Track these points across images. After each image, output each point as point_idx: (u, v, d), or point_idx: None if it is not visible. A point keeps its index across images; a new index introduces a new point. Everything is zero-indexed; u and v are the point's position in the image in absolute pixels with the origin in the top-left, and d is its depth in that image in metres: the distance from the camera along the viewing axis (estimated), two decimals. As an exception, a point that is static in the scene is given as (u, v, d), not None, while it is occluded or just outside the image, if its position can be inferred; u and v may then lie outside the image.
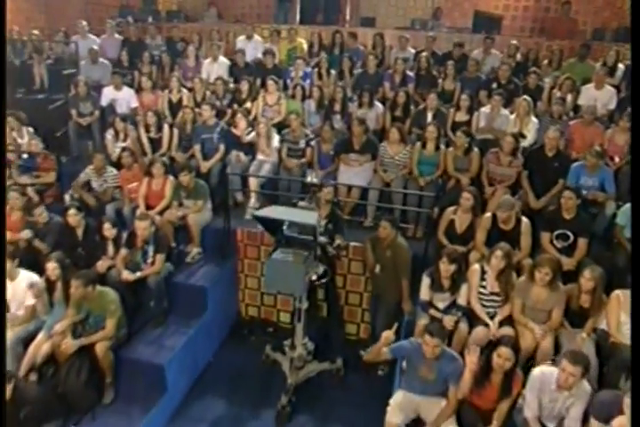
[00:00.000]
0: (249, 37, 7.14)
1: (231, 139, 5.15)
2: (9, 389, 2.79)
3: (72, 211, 4.09)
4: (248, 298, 4.93)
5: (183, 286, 4.22)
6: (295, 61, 6.22)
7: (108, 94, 5.94)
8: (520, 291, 3.39)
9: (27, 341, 3.60)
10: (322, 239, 3.50)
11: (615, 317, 3.22)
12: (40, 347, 3.51)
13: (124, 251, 4.02)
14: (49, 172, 5.08)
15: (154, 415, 3.55)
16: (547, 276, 3.25)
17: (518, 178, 4.40)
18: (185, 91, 5.88)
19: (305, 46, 6.96)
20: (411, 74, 5.97)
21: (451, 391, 2.93)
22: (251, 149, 5.13)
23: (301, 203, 3.70)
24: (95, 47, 6.70)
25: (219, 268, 4.51)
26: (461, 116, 5.18)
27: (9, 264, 3.64)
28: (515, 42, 6.63)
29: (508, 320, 3.41)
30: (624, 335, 3.14)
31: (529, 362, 3.21)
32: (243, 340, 4.66)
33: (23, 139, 5.50)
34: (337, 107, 5.42)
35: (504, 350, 2.76)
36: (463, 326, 3.41)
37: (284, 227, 3.31)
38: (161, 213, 4.43)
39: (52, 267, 3.65)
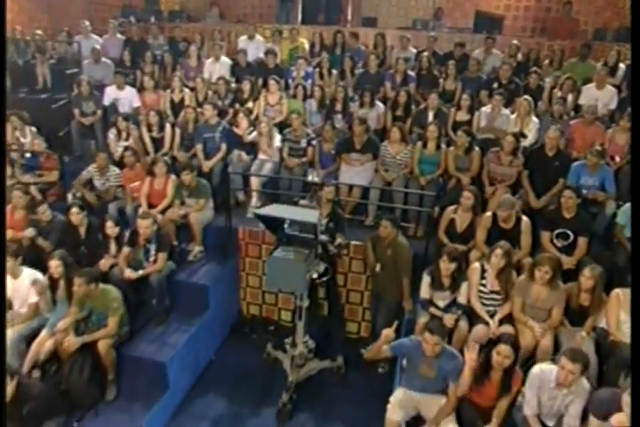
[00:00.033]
0: (251, 37, 7.16)
1: (233, 138, 5.17)
2: (12, 385, 2.81)
3: (74, 209, 4.12)
4: (249, 296, 4.96)
5: (185, 285, 4.24)
6: (297, 61, 6.24)
7: (110, 94, 5.97)
8: (520, 289, 3.41)
9: (29, 338, 3.62)
10: (323, 238, 3.52)
11: (615, 315, 3.24)
12: (43, 344, 3.53)
13: (126, 249, 4.04)
14: (52, 171, 5.09)
15: (156, 412, 3.57)
16: (546, 274, 3.27)
17: (519, 177, 4.42)
18: (187, 90, 5.91)
19: (306, 46, 6.98)
20: (412, 74, 5.99)
21: (450, 389, 2.95)
22: (252, 148, 5.15)
23: (302, 201, 3.73)
24: (98, 47, 6.73)
25: (220, 266, 4.53)
26: (462, 116, 5.20)
27: (12, 262, 3.67)
28: (516, 42, 6.65)
29: (508, 319, 3.43)
30: (624, 334, 3.16)
31: (529, 361, 3.23)
32: (244, 338, 4.69)
33: (26, 138, 5.53)
34: (338, 106, 5.44)
35: (503, 348, 2.77)
36: (463, 324, 3.43)
37: (286, 225, 3.33)
38: (163, 211, 4.45)
39: (54, 265, 3.67)
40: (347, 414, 3.78)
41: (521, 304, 3.42)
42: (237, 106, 5.73)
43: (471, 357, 2.88)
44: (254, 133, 5.13)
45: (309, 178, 4.68)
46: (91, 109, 5.88)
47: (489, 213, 3.88)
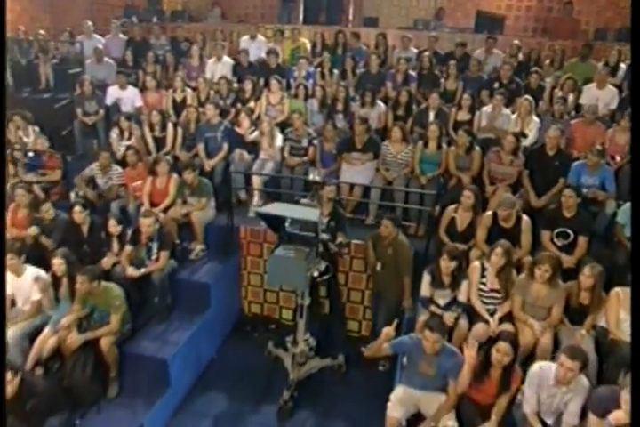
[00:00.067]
0: (252, 37, 7.19)
1: (234, 138, 5.19)
2: (16, 381, 2.83)
3: (77, 208, 4.14)
4: (251, 295, 4.98)
5: (187, 283, 4.26)
6: (298, 61, 6.27)
7: (112, 93, 6.00)
8: (520, 288, 3.43)
9: (32, 335, 3.64)
10: (324, 236, 3.54)
11: (614, 314, 3.25)
12: (46, 341, 3.56)
13: (128, 247, 4.07)
14: (54, 170, 5.12)
15: (157, 409, 3.60)
16: (546, 273, 3.28)
17: (519, 177, 4.43)
18: (189, 90, 5.93)
19: (308, 46, 7.00)
20: (413, 73, 6.01)
21: (450, 386, 2.96)
22: (254, 147, 5.17)
23: (303, 200, 3.75)
24: (100, 47, 6.76)
25: (222, 265, 4.56)
26: (463, 116, 5.21)
27: (15, 260, 3.70)
28: (517, 42, 6.66)
29: (508, 317, 3.45)
30: (623, 332, 3.17)
31: (528, 359, 3.24)
32: (245, 336, 4.71)
33: (29, 137, 5.56)
34: (339, 106, 5.46)
35: (503, 345, 2.79)
36: (463, 322, 3.44)
37: (287, 224, 3.35)
38: (165, 210, 4.47)
39: (57, 263, 3.69)
40: (347, 412, 3.80)
41: (521, 303, 3.43)
42: (239, 105, 5.74)
43: (470, 354, 2.90)
44: (256, 133, 5.15)
45: (311, 177, 4.70)
46: (93, 109, 5.92)
47: (489, 212, 3.90)
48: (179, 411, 3.85)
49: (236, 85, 6.10)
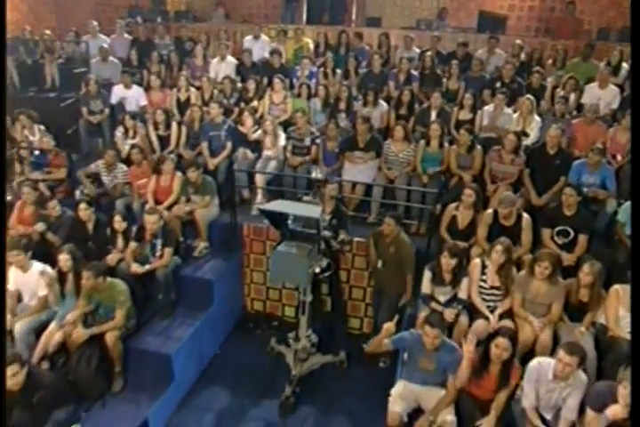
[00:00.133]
0: (256, 37, 7.24)
1: (238, 136, 5.24)
2: (22, 374, 2.88)
3: (83, 205, 4.20)
4: (254, 292, 5.02)
5: (190, 280, 4.31)
6: (301, 61, 6.33)
7: (117, 93, 6.06)
8: (520, 285, 3.46)
9: (39, 330, 3.70)
10: (326, 234, 3.58)
11: (614, 311, 3.27)
12: (52, 336, 3.62)
13: (133, 244, 4.12)
14: (60, 168, 5.18)
15: (161, 404, 3.65)
16: (546, 270, 3.31)
17: (520, 175, 4.45)
18: (193, 89, 5.98)
19: (311, 46, 7.05)
20: (415, 73, 6.04)
21: (449, 381, 3.00)
22: (257, 146, 5.21)
23: (306, 198, 3.79)
24: (105, 46, 6.82)
25: (225, 262, 4.60)
26: (465, 115, 5.24)
27: (22, 256, 3.76)
28: (519, 41, 6.67)
29: (508, 314, 3.48)
30: (622, 329, 3.20)
31: (528, 355, 3.27)
32: (248, 333, 4.76)
33: (35, 136, 5.63)
34: (342, 105, 5.50)
35: (501, 341, 2.82)
36: (464, 319, 3.48)
37: (289, 221, 3.40)
38: (169, 208, 4.51)
39: (63, 259, 3.75)
40: (348, 408, 3.85)
41: (521, 300, 3.46)
42: (242, 105, 5.81)
43: (469, 349, 2.93)
44: (259, 132, 5.20)
45: (313, 175, 4.74)
46: (98, 108, 5.98)
47: (490, 211, 3.93)
48: (182, 405, 3.90)
49: (239, 85, 6.14)
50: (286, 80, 5.90)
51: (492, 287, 3.53)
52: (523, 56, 6.61)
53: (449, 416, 2.92)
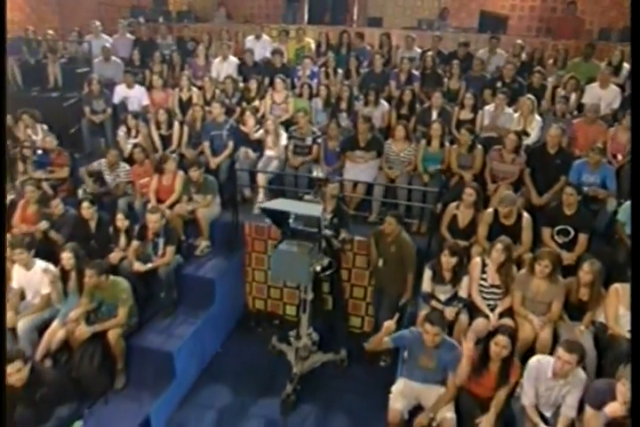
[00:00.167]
0: (258, 37, 7.26)
1: (240, 136, 5.27)
2: (26, 370, 2.91)
3: (85, 204, 4.23)
4: (255, 291, 5.05)
5: (192, 278, 4.33)
6: (303, 61, 6.34)
7: (120, 92, 6.09)
8: (520, 283, 3.47)
9: (42, 328, 3.73)
10: (327, 232, 3.60)
11: (614, 309, 3.28)
12: (55, 334, 3.64)
13: (135, 243, 4.14)
14: (62, 167, 5.21)
15: (163, 401, 3.68)
16: (546, 268, 3.33)
17: (521, 175, 4.47)
18: (195, 89, 6.01)
19: (312, 46, 7.07)
20: (416, 73, 6.06)
21: (449, 379, 3.01)
22: (259, 145, 5.24)
23: (307, 196, 3.81)
24: (108, 46, 6.85)
25: (227, 261, 4.63)
26: (466, 115, 5.25)
27: (25, 254, 3.79)
28: (520, 41, 6.68)
29: (508, 312, 3.49)
30: (622, 328, 3.20)
31: (528, 354, 3.28)
32: (249, 331, 4.78)
33: (37, 135, 5.67)
34: (343, 105, 5.52)
35: (501, 338, 2.83)
36: (464, 317, 3.49)
37: (290, 220, 3.42)
38: (171, 207, 4.54)
39: (66, 257, 3.77)
40: (348, 405, 3.87)
41: (521, 298, 3.48)
42: (244, 104, 5.83)
43: (468, 346, 2.95)
44: (261, 131, 5.22)
45: (314, 173, 4.76)
46: (101, 107, 6.01)
47: (490, 210, 3.95)
48: (184, 403, 3.92)
49: (241, 84, 6.17)
50: (288, 80, 5.92)
51: (493, 286, 3.55)
52: (524, 56, 6.62)
53: (448, 413, 2.94)
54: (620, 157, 4.67)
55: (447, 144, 4.77)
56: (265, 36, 7.37)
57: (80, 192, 4.98)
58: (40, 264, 3.86)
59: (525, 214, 3.88)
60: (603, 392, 2.64)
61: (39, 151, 5.34)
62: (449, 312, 3.46)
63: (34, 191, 4.45)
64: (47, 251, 4.11)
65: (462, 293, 3.56)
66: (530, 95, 5.16)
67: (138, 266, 4.01)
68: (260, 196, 4.95)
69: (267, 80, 6.19)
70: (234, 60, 6.64)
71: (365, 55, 6.67)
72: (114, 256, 4.11)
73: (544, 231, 3.93)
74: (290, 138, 5.14)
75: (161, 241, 4.11)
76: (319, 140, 5.09)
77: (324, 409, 3.85)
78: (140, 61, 6.93)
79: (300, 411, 3.82)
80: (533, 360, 2.92)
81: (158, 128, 5.36)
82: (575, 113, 5.40)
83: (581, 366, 2.84)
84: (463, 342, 3.02)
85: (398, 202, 4.61)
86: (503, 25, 7.87)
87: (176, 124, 5.35)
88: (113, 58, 6.74)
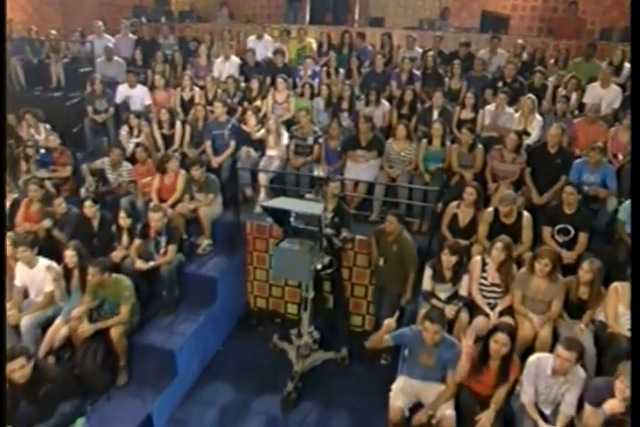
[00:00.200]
0: (259, 37, 7.29)
1: (241, 135, 5.29)
2: (29, 367, 2.93)
3: (88, 203, 4.26)
4: (257, 289, 5.07)
5: (194, 277, 4.35)
6: (304, 60, 6.36)
7: (122, 92, 6.12)
8: (520, 282, 3.48)
9: (45, 326, 3.76)
10: (328, 231, 3.62)
11: (613, 308, 3.29)
12: (58, 331, 3.67)
13: (137, 241, 4.17)
14: (65, 166, 5.25)
15: (165, 398, 3.70)
16: (546, 267, 3.34)
17: (521, 174, 4.48)
18: (197, 89, 6.04)
19: (314, 46, 7.09)
20: (417, 73, 6.07)
21: (449, 376, 3.03)
22: (260, 145, 5.26)
23: (308, 195, 3.83)
24: (110, 46, 6.89)
25: (228, 259, 4.65)
26: (467, 114, 5.26)
27: (29, 252, 3.81)
28: (521, 41, 6.69)
29: (509, 311, 3.50)
30: (622, 326, 3.22)
31: (528, 352, 3.29)
32: (251, 330, 4.80)
33: (40, 135, 5.71)
34: (344, 105, 5.53)
35: (500, 336, 2.85)
36: (464, 315, 3.50)
37: (292, 218, 3.44)
38: (173, 205, 4.56)
39: (69, 255, 3.80)
40: (349, 403, 3.88)
41: (521, 297, 3.49)
42: (246, 104, 5.85)
43: (467, 343, 2.96)
44: (262, 131, 5.24)
45: (315, 172, 4.77)
46: (103, 107, 6.04)
47: (491, 209, 3.96)
48: (185, 400, 3.95)
49: (243, 84, 6.19)
50: (289, 79, 5.94)
51: (493, 284, 3.56)
52: (525, 56, 6.63)
53: (448, 411, 2.95)
54: (620, 156, 4.68)
55: (448, 143, 4.78)
56: (267, 36, 7.39)
57: (83, 191, 5.02)
58: (43, 262, 3.89)
59: (526, 213, 3.90)
60: (601, 390, 2.66)
61: (42, 150, 5.37)
62: (449, 311, 3.48)
63: (37, 190, 4.49)
64: (50, 249, 4.15)
65: (462, 291, 3.58)
66: (531, 95, 5.18)
67: (140, 264, 4.03)
68: (262, 195, 4.96)
69: (268, 80, 6.21)
70: (236, 59, 6.66)
71: (367, 55, 6.69)
72: (116, 254, 4.13)
73: (544, 230, 3.94)
74: (291, 137, 5.16)
75: (163, 240, 4.13)
76: (320, 140, 5.10)
77: (324, 407, 3.87)
78: (143, 61, 6.96)
79: (301, 409, 3.84)
80: (533, 358, 2.94)
81: (160, 127, 5.39)
82: (576, 113, 5.41)
83: (581, 364, 2.85)
84: (463, 340, 3.04)
85: (399, 201, 4.63)
86: (504, 25, 7.88)
87: (178, 124, 5.38)
88: (115, 58, 6.77)
